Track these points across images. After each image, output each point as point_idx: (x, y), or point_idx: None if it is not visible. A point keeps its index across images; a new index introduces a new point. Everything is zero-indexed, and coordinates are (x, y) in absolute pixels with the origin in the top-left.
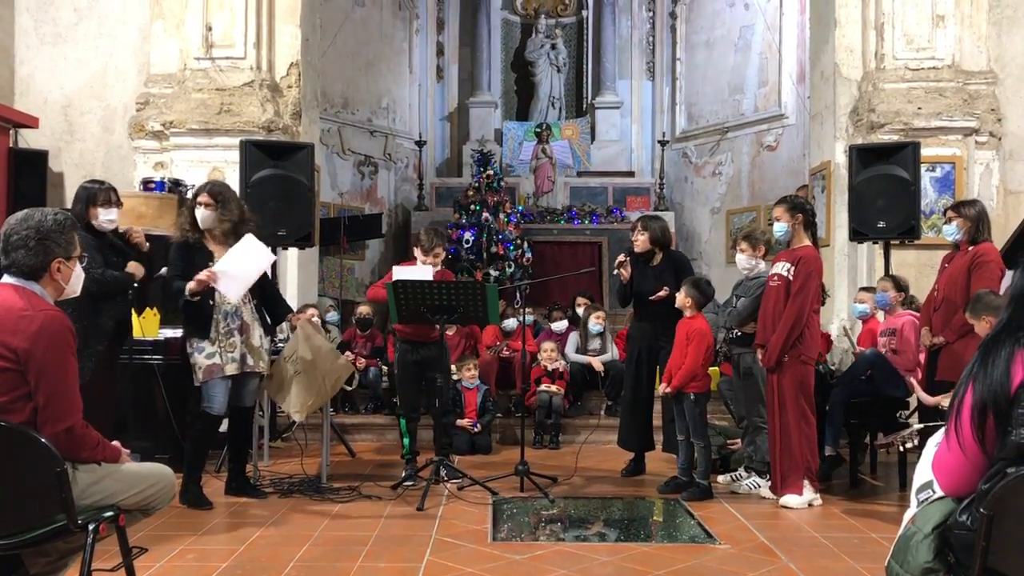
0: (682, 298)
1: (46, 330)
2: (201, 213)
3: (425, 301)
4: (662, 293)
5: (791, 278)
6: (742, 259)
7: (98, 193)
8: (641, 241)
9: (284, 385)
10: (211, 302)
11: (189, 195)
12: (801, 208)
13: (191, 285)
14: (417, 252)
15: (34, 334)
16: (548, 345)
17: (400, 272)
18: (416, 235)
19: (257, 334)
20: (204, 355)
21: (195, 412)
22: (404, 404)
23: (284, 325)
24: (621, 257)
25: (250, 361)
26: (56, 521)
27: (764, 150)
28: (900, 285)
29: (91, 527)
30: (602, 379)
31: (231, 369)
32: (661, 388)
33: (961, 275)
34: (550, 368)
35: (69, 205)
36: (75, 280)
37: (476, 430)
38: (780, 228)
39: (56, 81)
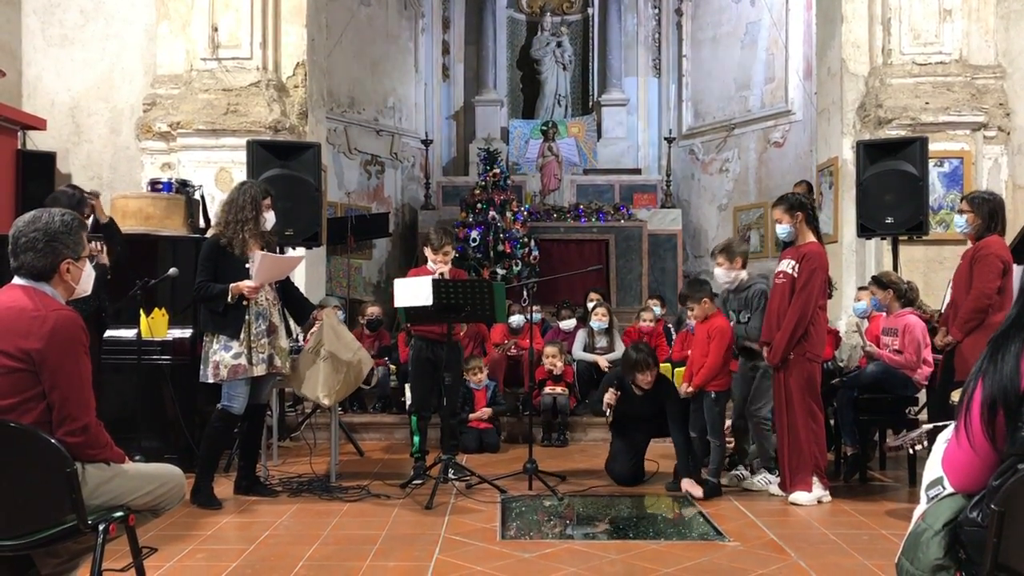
0: (699, 309)
1: (59, 330)
2: (270, 215)
3: (433, 300)
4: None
5: (795, 275)
6: (720, 272)
7: (84, 200)
8: (651, 378)
9: (311, 374)
10: (244, 303)
11: (198, 195)
12: (800, 206)
13: (243, 289)
14: (428, 251)
15: (47, 334)
16: (550, 350)
17: (401, 287)
18: (426, 235)
19: (283, 336)
20: (231, 354)
21: (214, 410)
22: (416, 401)
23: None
24: (609, 397)
25: (277, 362)
26: (66, 522)
27: (771, 146)
28: (883, 283)
29: (101, 527)
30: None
31: (260, 370)
32: (683, 388)
33: (965, 271)
34: (555, 373)
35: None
36: (85, 279)
37: (488, 415)
38: (783, 229)
39: (63, 83)
